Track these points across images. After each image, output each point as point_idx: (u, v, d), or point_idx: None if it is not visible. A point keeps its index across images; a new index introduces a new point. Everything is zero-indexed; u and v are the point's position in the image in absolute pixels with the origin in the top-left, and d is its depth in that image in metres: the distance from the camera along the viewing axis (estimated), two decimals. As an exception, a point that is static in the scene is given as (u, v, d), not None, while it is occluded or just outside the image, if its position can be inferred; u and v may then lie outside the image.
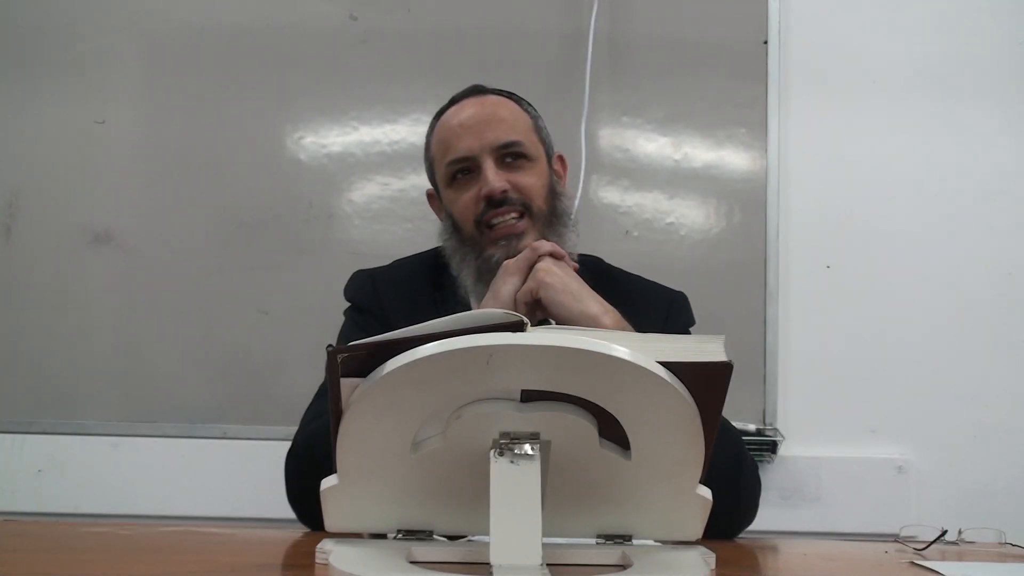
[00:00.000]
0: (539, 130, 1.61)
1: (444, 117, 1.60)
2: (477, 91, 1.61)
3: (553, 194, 1.57)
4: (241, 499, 2.07)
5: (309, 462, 1.26)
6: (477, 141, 1.53)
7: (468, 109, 1.57)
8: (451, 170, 1.55)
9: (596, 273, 1.56)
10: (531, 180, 1.54)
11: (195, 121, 2.27)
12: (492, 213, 1.51)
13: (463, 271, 1.55)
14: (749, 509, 1.42)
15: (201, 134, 2.27)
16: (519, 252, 1.46)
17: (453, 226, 1.57)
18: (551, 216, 1.55)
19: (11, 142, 2.26)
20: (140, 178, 2.27)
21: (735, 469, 1.36)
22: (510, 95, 1.62)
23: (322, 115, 2.28)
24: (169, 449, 2.16)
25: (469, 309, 1.50)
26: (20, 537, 1.20)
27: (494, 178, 1.51)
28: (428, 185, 1.67)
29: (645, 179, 2.28)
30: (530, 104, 1.64)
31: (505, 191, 1.51)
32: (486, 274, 1.50)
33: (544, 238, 1.51)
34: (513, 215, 1.52)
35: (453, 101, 1.61)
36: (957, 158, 2.31)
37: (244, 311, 2.21)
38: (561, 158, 1.67)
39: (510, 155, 1.54)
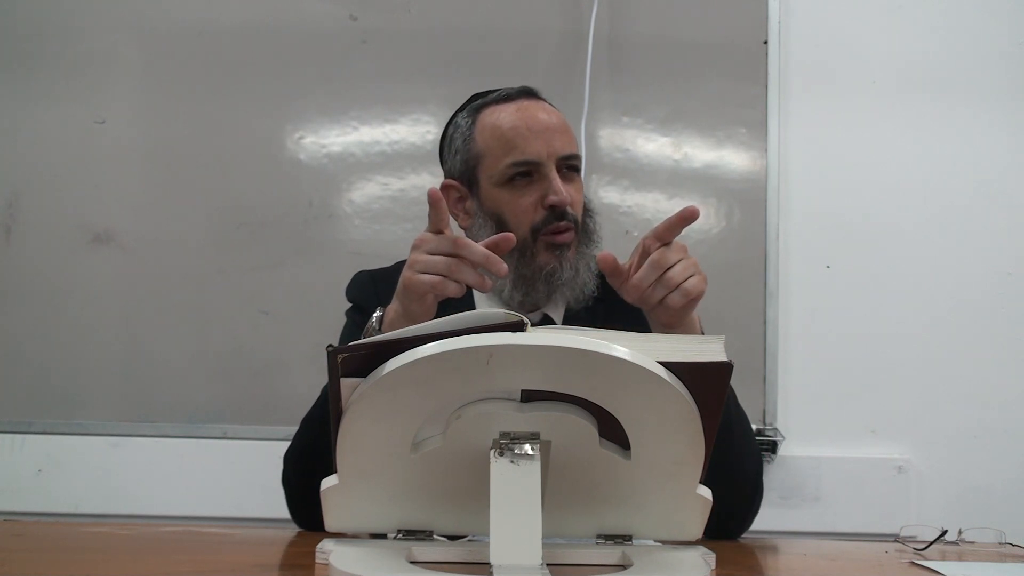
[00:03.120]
0: (579, 145, 1.59)
1: (498, 113, 1.51)
2: (531, 94, 1.55)
3: (586, 211, 1.55)
4: (241, 499, 2.07)
5: (308, 462, 1.26)
6: (545, 147, 1.47)
7: (531, 111, 1.51)
8: (512, 171, 1.48)
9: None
10: (580, 196, 1.52)
11: (195, 121, 2.27)
12: (554, 226, 1.47)
13: None
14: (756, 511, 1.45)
15: (201, 134, 2.26)
16: (567, 263, 1.47)
17: (498, 227, 1.49)
18: (583, 233, 1.53)
19: (11, 142, 2.26)
20: (140, 178, 2.26)
21: (758, 473, 1.43)
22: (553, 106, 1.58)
23: (322, 115, 2.27)
24: (169, 449, 2.16)
25: (472, 309, 1.49)
26: (20, 537, 1.20)
27: (564, 190, 1.47)
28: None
29: (645, 179, 2.28)
30: None
31: (569, 204, 1.48)
32: (530, 281, 1.48)
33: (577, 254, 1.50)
34: (570, 232, 1.49)
35: (503, 98, 1.54)
36: (957, 158, 2.31)
37: (244, 311, 2.21)
38: None
39: (568, 167, 1.50)
